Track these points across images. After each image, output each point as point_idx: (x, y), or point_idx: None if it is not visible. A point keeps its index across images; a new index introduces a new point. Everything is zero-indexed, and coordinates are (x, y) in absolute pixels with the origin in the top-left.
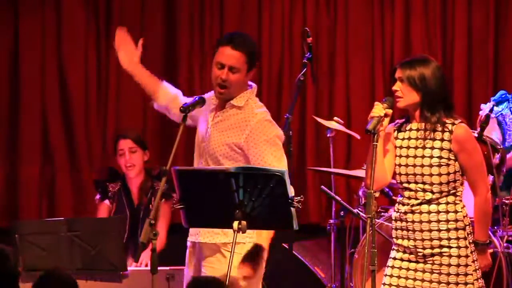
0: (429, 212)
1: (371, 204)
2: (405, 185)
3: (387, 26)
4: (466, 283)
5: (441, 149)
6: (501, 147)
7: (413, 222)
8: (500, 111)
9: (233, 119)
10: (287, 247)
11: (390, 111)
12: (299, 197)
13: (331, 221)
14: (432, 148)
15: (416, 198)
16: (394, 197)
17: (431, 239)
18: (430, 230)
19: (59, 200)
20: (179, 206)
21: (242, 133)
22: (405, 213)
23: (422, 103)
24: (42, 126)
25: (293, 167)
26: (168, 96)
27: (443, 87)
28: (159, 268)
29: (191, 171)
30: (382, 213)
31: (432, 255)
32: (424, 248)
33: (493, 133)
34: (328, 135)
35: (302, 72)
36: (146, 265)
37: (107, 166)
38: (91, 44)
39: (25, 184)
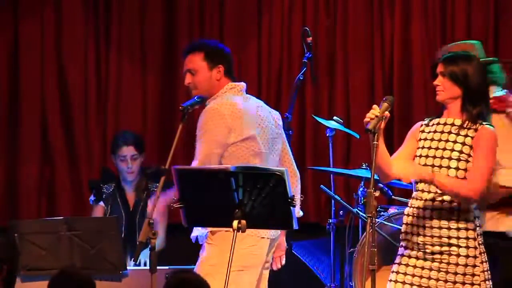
0: (441, 209)
1: (370, 203)
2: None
3: (387, 26)
4: (472, 284)
5: (463, 144)
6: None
7: (424, 217)
8: None
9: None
10: (286, 246)
11: (388, 114)
12: (298, 197)
13: (331, 220)
14: (455, 142)
15: (429, 192)
16: (394, 197)
17: (440, 237)
18: (440, 227)
19: (59, 199)
20: (178, 206)
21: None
22: (418, 208)
23: (464, 97)
24: (41, 126)
25: None
26: None
27: (484, 83)
28: (158, 267)
29: (191, 170)
30: (382, 213)
31: (441, 253)
32: (433, 245)
33: None
34: (327, 135)
35: (301, 72)
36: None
37: (102, 166)
38: (91, 44)
39: (25, 183)
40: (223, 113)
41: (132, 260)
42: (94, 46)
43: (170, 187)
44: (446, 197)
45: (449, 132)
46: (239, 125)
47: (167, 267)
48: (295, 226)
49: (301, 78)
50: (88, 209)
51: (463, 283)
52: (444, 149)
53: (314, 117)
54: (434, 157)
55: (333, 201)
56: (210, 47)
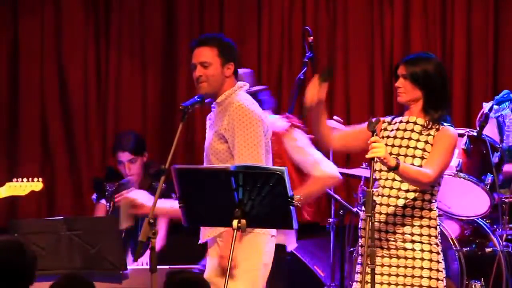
0: (404, 206)
1: (370, 203)
2: (383, 174)
3: (387, 25)
4: (437, 279)
5: (426, 142)
6: (500, 146)
7: (386, 214)
8: (500, 112)
9: (218, 115)
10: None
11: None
12: (298, 196)
13: (331, 220)
14: (418, 140)
15: (391, 188)
16: None
17: (403, 233)
18: (403, 224)
19: (59, 199)
20: (178, 205)
21: (222, 121)
22: (381, 204)
23: (425, 100)
24: (41, 125)
25: None
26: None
27: (445, 85)
28: (158, 267)
29: (191, 169)
30: None
31: (404, 249)
32: (396, 242)
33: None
34: None
35: (302, 71)
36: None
37: (106, 166)
38: (91, 44)
39: None
40: (256, 111)
41: (132, 259)
42: (94, 46)
43: (173, 192)
44: (410, 195)
45: (412, 131)
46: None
47: (167, 267)
48: (295, 225)
49: (302, 78)
50: (88, 209)
51: (430, 278)
52: (408, 147)
53: None
54: (398, 154)
55: (333, 200)
56: (225, 43)
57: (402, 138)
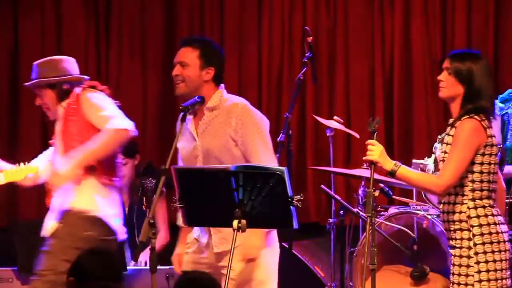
0: (447, 212)
1: (371, 203)
2: None
3: (387, 26)
4: (466, 284)
5: (447, 143)
6: (501, 146)
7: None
8: (505, 110)
9: (217, 120)
10: (286, 246)
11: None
12: (298, 196)
13: (331, 220)
14: (447, 143)
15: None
16: (394, 197)
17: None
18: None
19: None
20: (179, 205)
21: (229, 124)
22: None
23: (465, 97)
24: (41, 125)
25: (293, 166)
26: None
27: (489, 85)
28: (158, 267)
29: (191, 170)
30: (382, 212)
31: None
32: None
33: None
34: (328, 134)
35: (302, 72)
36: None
37: None
38: (91, 44)
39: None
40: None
41: (132, 260)
42: (94, 45)
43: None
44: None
45: (448, 134)
46: None
47: (167, 267)
48: (295, 225)
49: (302, 78)
50: None
51: (458, 284)
52: (445, 152)
53: (315, 117)
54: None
55: (333, 201)
56: (209, 46)
57: (447, 144)
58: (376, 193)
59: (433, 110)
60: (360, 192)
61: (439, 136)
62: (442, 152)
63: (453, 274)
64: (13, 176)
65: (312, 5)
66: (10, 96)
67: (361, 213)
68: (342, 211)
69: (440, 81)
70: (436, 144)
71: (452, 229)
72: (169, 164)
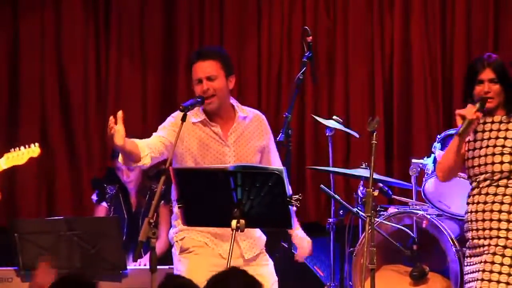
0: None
1: (370, 203)
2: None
3: (387, 26)
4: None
5: (506, 138)
6: None
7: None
8: None
9: (249, 129)
10: (286, 246)
11: (480, 114)
12: (297, 196)
13: (330, 220)
14: (497, 138)
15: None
16: (394, 196)
17: None
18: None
19: (58, 199)
20: (178, 205)
21: (261, 134)
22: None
23: (506, 97)
24: (41, 125)
25: (292, 166)
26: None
27: None
28: (158, 267)
29: (190, 170)
30: (381, 212)
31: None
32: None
33: None
34: (327, 134)
35: (301, 71)
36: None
37: (106, 166)
38: (91, 44)
39: (24, 183)
40: None
41: (132, 259)
42: (94, 45)
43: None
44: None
45: (498, 130)
46: None
47: (167, 267)
48: (294, 225)
49: (301, 78)
50: (88, 209)
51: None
52: (495, 146)
53: (314, 116)
54: (486, 155)
55: (333, 200)
56: (225, 55)
57: (489, 138)
58: (376, 193)
59: (433, 110)
60: (359, 192)
61: (438, 136)
62: (500, 146)
63: (500, 273)
64: (14, 160)
65: (312, 5)
66: (10, 96)
67: (360, 213)
68: (341, 211)
69: (487, 93)
70: (436, 144)
71: (504, 228)
72: (169, 164)
